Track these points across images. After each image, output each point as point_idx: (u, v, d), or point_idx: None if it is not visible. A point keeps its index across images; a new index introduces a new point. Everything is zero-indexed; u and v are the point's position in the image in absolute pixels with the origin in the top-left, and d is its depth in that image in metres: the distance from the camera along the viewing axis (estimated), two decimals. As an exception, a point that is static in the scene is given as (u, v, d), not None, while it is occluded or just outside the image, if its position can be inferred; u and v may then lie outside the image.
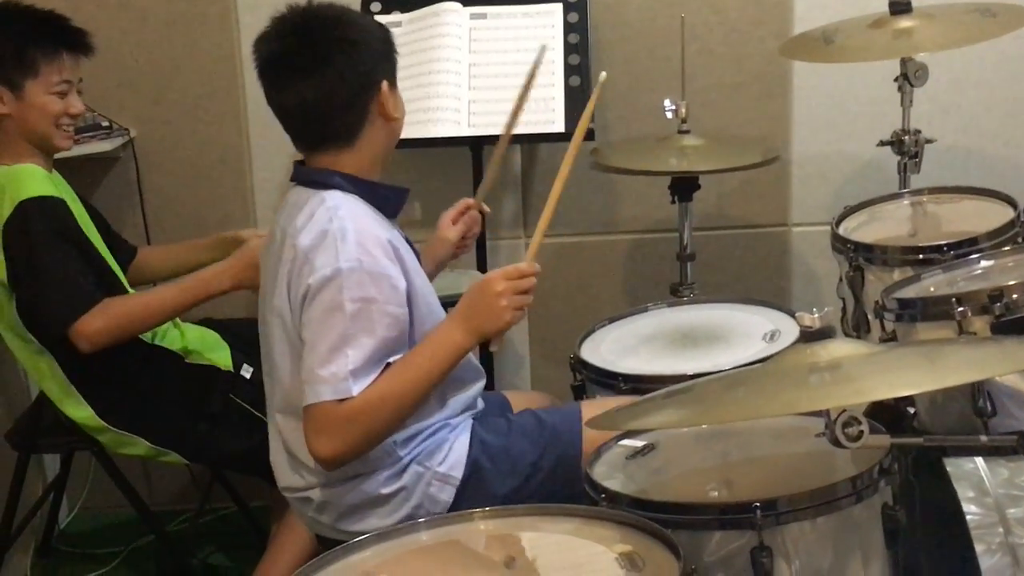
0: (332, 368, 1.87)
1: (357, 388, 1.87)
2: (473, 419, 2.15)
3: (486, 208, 2.45)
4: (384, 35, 2.04)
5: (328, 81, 1.96)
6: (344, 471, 1.97)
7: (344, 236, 1.92)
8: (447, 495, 2.03)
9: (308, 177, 2.04)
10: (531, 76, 2.28)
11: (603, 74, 2.10)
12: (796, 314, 1.70)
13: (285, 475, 2.07)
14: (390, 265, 1.94)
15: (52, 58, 2.52)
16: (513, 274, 1.95)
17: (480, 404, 2.19)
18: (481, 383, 2.17)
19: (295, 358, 1.96)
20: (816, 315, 1.68)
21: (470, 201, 2.45)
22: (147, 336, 2.62)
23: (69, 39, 2.56)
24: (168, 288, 2.62)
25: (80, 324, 2.43)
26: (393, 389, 1.90)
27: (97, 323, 2.45)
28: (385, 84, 2.01)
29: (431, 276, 2.41)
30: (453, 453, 2.06)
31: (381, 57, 2.02)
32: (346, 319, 1.88)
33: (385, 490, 2.01)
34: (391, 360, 1.92)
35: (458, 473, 2.05)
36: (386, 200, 2.05)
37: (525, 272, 1.96)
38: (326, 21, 2.00)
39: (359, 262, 1.90)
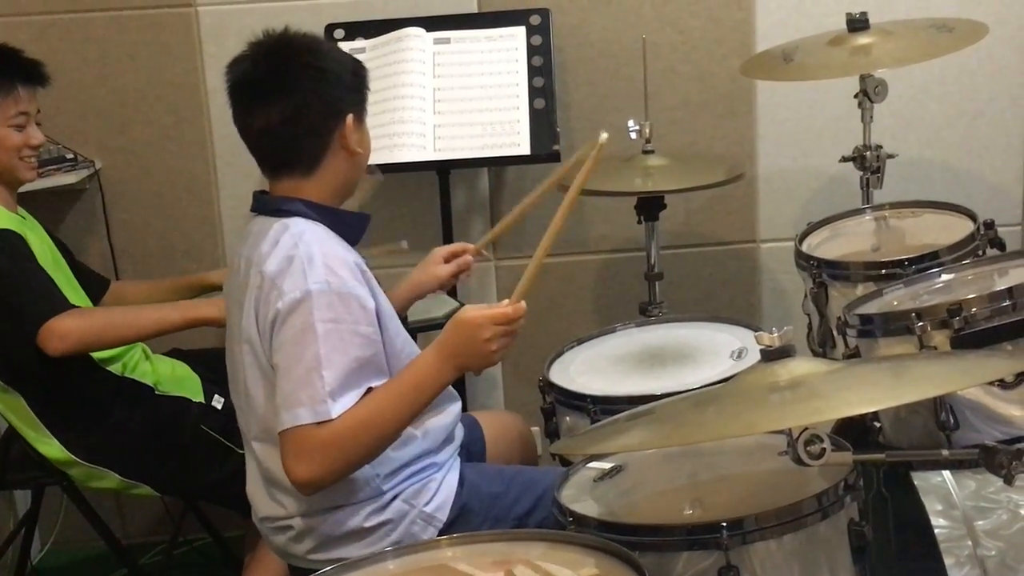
0: (309, 390, 1.86)
1: (336, 409, 1.87)
2: (459, 456, 2.16)
3: (485, 252, 2.48)
4: (356, 70, 2.06)
5: (293, 106, 1.97)
6: (327, 501, 1.97)
7: (311, 259, 1.92)
8: (429, 535, 2.03)
9: (270, 206, 2.05)
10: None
11: (604, 135, 2.05)
12: (755, 334, 1.71)
13: (264, 505, 2.06)
14: (358, 286, 1.95)
15: (7, 91, 2.52)
16: (500, 320, 1.94)
17: (459, 433, 2.20)
18: (457, 406, 2.18)
19: (268, 385, 1.96)
20: (775, 334, 1.69)
21: (468, 246, 2.46)
22: (117, 368, 2.61)
23: (23, 71, 2.56)
24: (153, 305, 2.61)
25: (52, 323, 2.39)
26: (373, 416, 1.90)
27: (70, 322, 2.40)
28: (351, 117, 2.02)
29: (407, 303, 2.43)
30: (440, 494, 2.07)
31: (350, 90, 2.04)
32: (318, 340, 1.88)
33: (368, 523, 2.00)
34: (372, 385, 1.92)
35: (443, 515, 2.06)
36: (348, 226, 2.06)
37: (512, 317, 1.96)
38: (298, 48, 2.02)
39: (327, 284, 1.91)
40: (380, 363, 1.96)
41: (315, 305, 1.89)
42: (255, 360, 1.97)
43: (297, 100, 1.97)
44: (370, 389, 1.91)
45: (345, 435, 1.88)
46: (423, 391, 1.94)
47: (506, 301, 1.97)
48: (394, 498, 2.02)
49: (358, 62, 2.08)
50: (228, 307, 2.11)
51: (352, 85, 2.04)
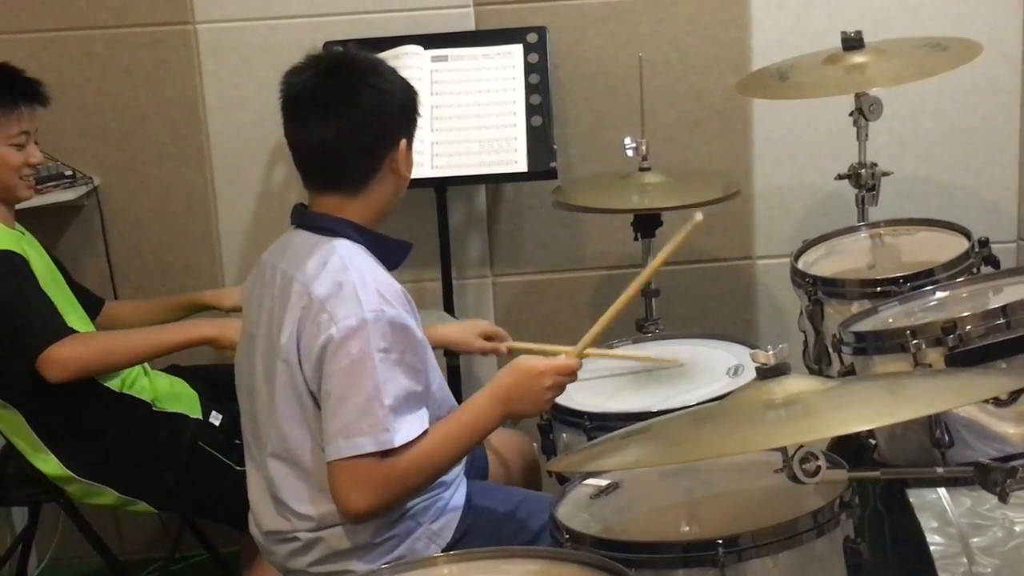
0: (370, 420, 1.87)
1: (398, 439, 1.88)
2: (465, 476, 2.17)
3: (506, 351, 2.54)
4: (411, 94, 2.06)
5: (351, 123, 1.97)
6: (338, 517, 1.97)
7: (364, 286, 1.92)
8: (432, 552, 2.03)
9: (315, 223, 2.04)
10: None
11: (699, 215, 2.10)
12: (750, 352, 1.72)
13: (269, 518, 2.05)
14: (408, 316, 1.96)
15: (10, 110, 2.53)
16: (564, 371, 2.01)
17: None
18: None
19: (301, 406, 1.96)
20: (770, 352, 1.69)
21: (507, 338, 2.53)
22: (115, 384, 2.62)
23: (25, 90, 2.57)
24: (149, 327, 2.61)
25: (51, 350, 2.40)
26: (434, 454, 1.94)
27: (69, 350, 2.42)
28: (403, 142, 2.03)
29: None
30: (447, 513, 2.08)
31: (406, 114, 2.04)
32: (376, 370, 1.88)
33: (376, 539, 2.00)
34: (421, 415, 1.94)
35: (448, 534, 2.07)
36: (390, 253, 2.06)
37: (574, 369, 2.03)
38: (360, 66, 2.02)
39: (382, 312, 1.91)
40: (426, 394, 1.98)
41: (371, 334, 1.89)
42: (290, 380, 1.96)
43: (357, 118, 1.97)
44: (426, 431, 1.94)
45: (408, 470, 1.91)
46: (478, 432, 1.99)
47: (563, 356, 2.04)
48: (403, 515, 2.02)
49: (412, 87, 2.07)
50: (249, 314, 2.09)
51: (407, 110, 2.05)
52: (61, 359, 2.41)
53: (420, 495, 2.03)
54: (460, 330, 2.53)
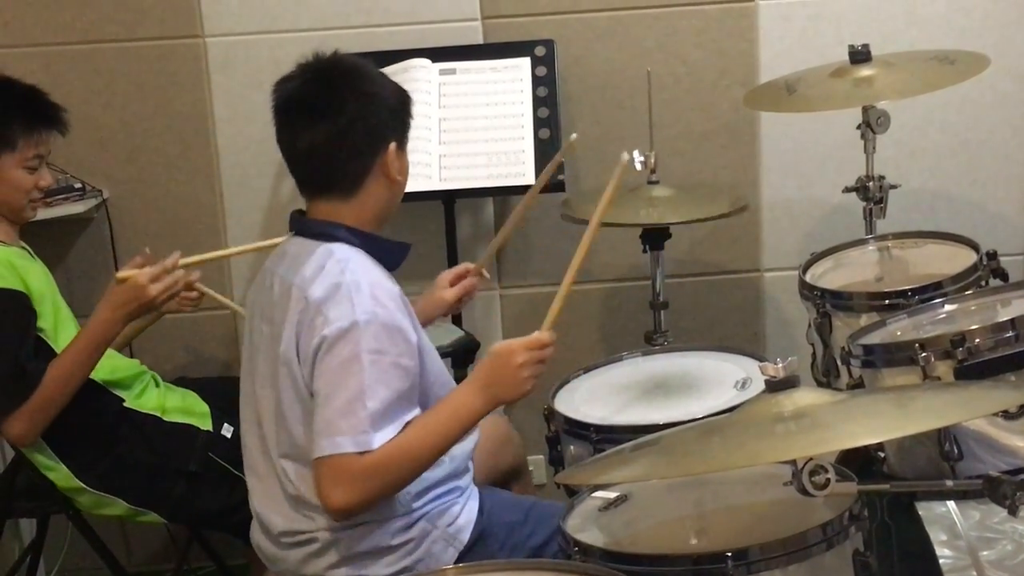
0: (351, 420, 1.89)
1: (377, 440, 1.89)
2: (476, 484, 2.18)
3: (486, 274, 2.52)
4: (402, 98, 2.08)
5: (340, 126, 1.99)
6: (358, 516, 1.98)
7: (359, 288, 1.94)
8: (449, 556, 2.05)
9: (312, 228, 2.06)
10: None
11: (625, 155, 2.13)
12: (760, 364, 1.72)
13: (283, 519, 2.05)
14: (403, 318, 1.98)
15: (30, 133, 2.54)
16: (534, 345, 1.99)
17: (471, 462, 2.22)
18: (476, 434, 2.18)
19: (304, 408, 1.97)
20: (780, 364, 1.70)
21: (470, 265, 2.50)
22: (125, 395, 2.63)
23: (48, 115, 2.59)
24: (67, 354, 2.50)
25: (8, 429, 2.45)
26: (412, 447, 1.93)
27: (22, 427, 2.45)
28: (393, 144, 2.04)
29: None
30: (463, 517, 2.09)
31: (395, 116, 2.06)
32: (363, 371, 1.89)
33: (394, 541, 2.02)
34: (408, 418, 1.94)
35: (464, 536, 2.08)
36: (388, 254, 2.08)
37: (545, 343, 2.00)
38: (347, 70, 2.05)
39: (375, 314, 1.93)
40: (415, 396, 1.99)
41: (362, 335, 1.91)
42: (292, 383, 1.98)
43: (343, 121, 1.99)
44: (407, 423, 1.94)
45: (385, 464, 1.91)
46: (459, 423, 1.98)
47: (537, 332, 2.02)
48: (420, 518, 2.04)
49: (404, 91, 2.09)
50: (252, 322, 2.12)
51: (397, 112, 2.07)
52: (17, 437, 2.47)
53: (428, 496, 2.05)
54: (426, 297, 2.46)
